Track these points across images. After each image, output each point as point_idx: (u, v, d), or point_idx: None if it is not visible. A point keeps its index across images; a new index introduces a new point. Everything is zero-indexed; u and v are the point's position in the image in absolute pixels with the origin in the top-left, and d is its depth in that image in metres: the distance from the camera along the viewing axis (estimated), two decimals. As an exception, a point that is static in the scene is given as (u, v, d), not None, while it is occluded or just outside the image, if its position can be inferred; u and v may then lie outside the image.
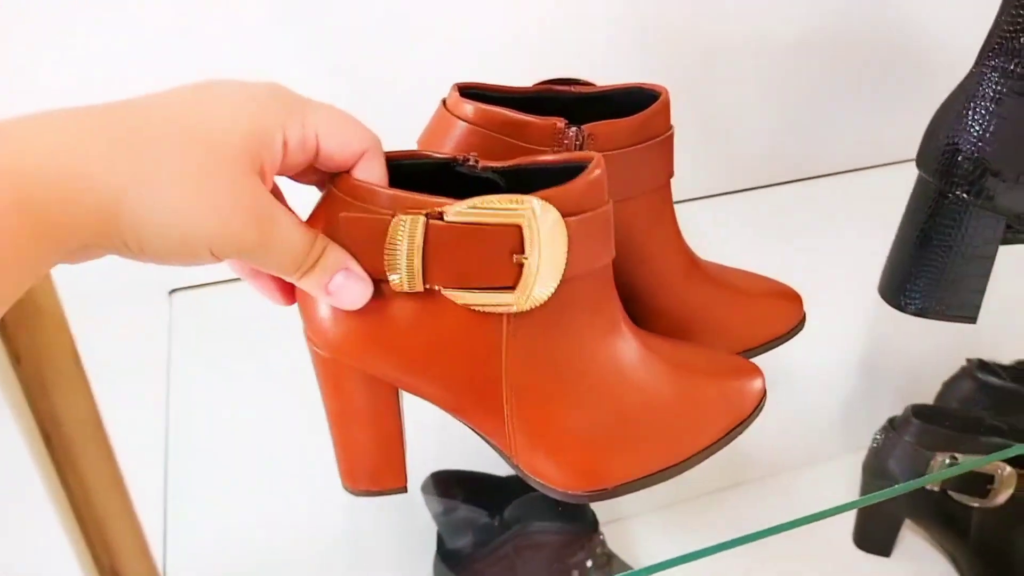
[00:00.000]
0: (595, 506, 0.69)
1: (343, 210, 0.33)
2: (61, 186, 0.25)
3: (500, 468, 0.71)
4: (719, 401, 0.39)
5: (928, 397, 0.80)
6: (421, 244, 0.32)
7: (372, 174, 0.34)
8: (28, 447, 0.54)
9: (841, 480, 0.73)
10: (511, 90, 0.45)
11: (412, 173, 0.35)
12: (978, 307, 0.51)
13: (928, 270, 0.51)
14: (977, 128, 0.47)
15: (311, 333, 0.37)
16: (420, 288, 0.33)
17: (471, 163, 0.35)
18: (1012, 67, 0.45)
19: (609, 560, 0.67)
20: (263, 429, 0.59)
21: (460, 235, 0.32)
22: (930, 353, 0.80)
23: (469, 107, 0.41)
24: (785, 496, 0.47)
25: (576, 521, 0.66)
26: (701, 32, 0.63)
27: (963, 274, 0.50)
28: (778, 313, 0.48)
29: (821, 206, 0.68)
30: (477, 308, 0.34)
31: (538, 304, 0.34)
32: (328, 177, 0.35)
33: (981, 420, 0.72)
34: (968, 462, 0.69)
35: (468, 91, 0.43)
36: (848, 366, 0.82)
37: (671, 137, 0.44)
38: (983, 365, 0.78)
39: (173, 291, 0.62)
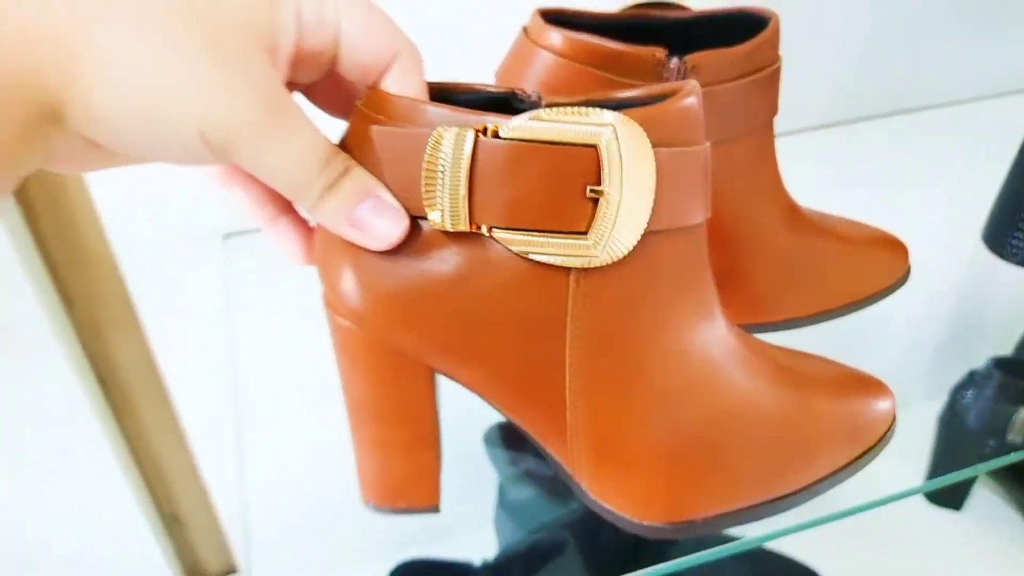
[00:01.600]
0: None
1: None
2: None
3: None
4: (841, 422, 0.32)
5: (1010, 350, 0.76)
6: (468, 168, 0.25)
7: (408, 89, 0.27)
8: (84, 391, 0.53)
9: (920, 430, 0.70)
10: (599, 16, 0.40)
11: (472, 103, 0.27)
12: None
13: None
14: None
15: (330, 295, 0.29)
16: (465, 227, 0.26)
17: (534, 99, 0.28)
18: None
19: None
20: (322, 374, 0.57)
21: (518, 157, 0.25)
22: (1019, 306, 0.75)
23: (556, 35, 0.37)
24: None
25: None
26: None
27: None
28: (883, 264, 0.44)
29: (922, 143, 0.62)
30: (536, 257, 0.26)
31: (617, 257, 0.26)
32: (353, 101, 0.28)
33: (1069, 374, 0.68)
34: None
35: (552, 17, 0.39)
36: (939, 317, 0.78)
37: (778, 70, 0.40)
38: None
39: (228, 236, 0.60)
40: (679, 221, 0.28)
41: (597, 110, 0.25)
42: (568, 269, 0.27)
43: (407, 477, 0.32)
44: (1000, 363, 0.70)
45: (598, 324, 0.28)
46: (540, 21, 0.38)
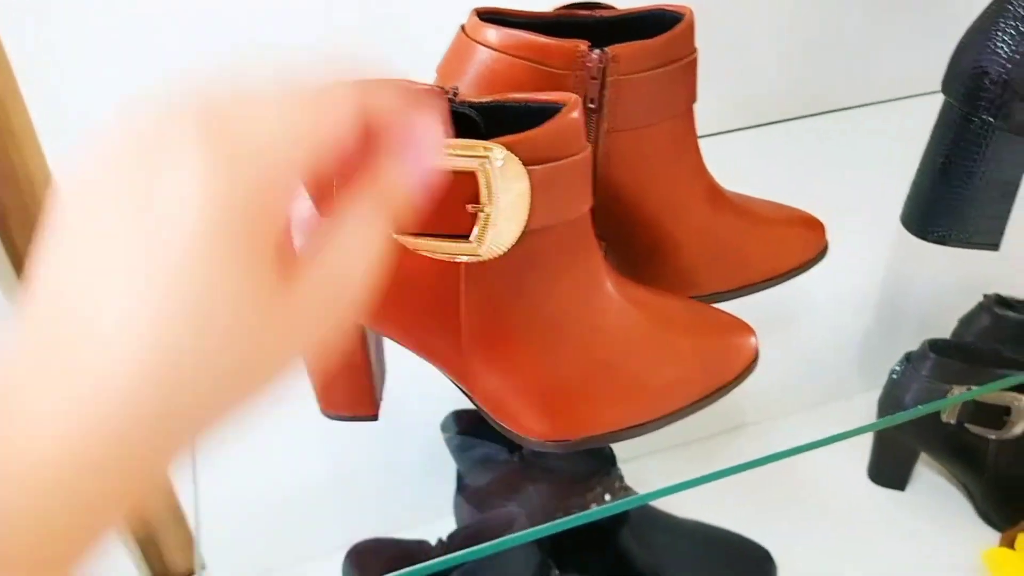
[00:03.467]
0: (616, 444, 0.70)
1: None
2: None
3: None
4: (702, 360, 0.38)
5: (946, 332, 0.80)
6: None
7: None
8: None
9: (856, 416, 0.74)
10: (532, 15, 0.44)
11: None
12: (1000, 234, 0.51)
13: (950, 197, 0.50)
14: (1005, 50, 0.46)
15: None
16: None
17: (450, 96, 0.33)
18: (1043, -15, 0.44)
19: (627, 495, 0.68)
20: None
21: None
22: (948, 289, 0.80)
23: (490, 32, 0.41)
24: (800, 431, 0.47)
25: (594, 457, 0.67)
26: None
27: (986, 200, 0.49)
28: (801, 241, 0.48)
29: (845, 140, 0.67)
30: (430, 255, 0.33)
31: (497, 254, 0.33)
32: None
33: (998, 353, 0.72)
34: (980, 392, 0.69)
35: (487, 16, 0.42)
36: (868, 300, 0.82)
37: (695, 61, 0.43)
38: (1000, 300, 0.78)
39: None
40: (557, 219, 0.34)
41: (480, 143, 0.31)
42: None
43: (349, 395, 0.42)
44: (934, 345, 0.74)
45: (484, 296, 0.35)
46: (476, 19, 0.42)
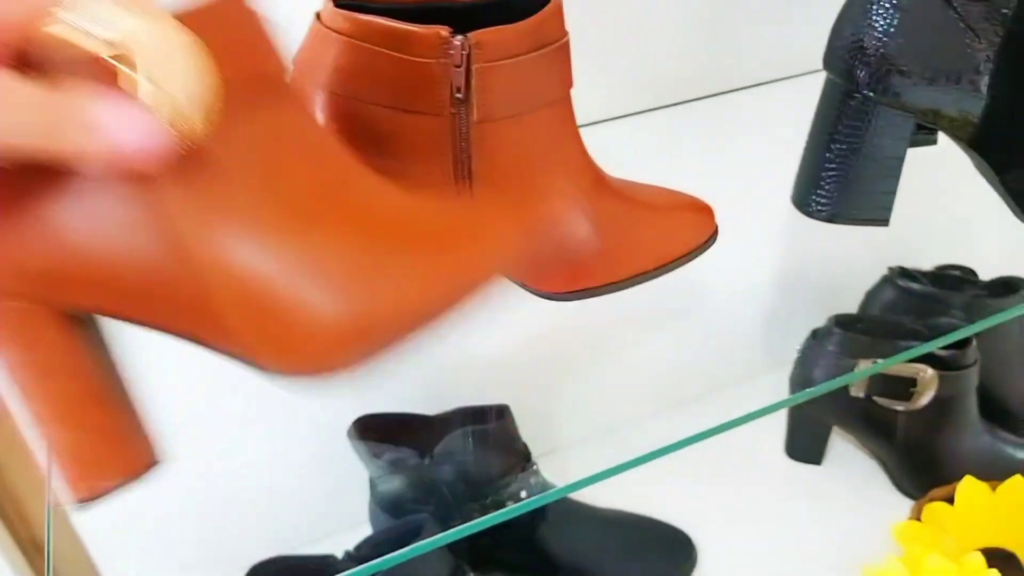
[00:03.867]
0: (530, 438, 0.69)
1: None
2: None
3: (425, 407, 0.69)
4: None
5: (852, 308, 0.81)
6: None
7: None
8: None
9: (767, 396, 0.74)
10: (394, 1, 0.41)
11: None
12: (889, 209, 0.51)
13: (836, 174, 0.50)
14: (881, 23, 0.46)
15: None
16: None
17: None
18: (912, -43, 0.44)
19: (544, 490, 0.67)
20: (189, 379, 0.56)
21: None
22: (853, 264, 0.81)
23: (344, 20, 0.38)
24: (712, 414, 0.46)
25: (508, 454, 0.65)
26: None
27: (872, 176, 0.49)
28: (690, 226, 0.47)
29: (733, 122, 0.67)
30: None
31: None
32: None
33: (902, 325, 0.73)
34: (885, 366, 0.70)
35: (345, 3, 0.40)
36: (770, 281, 0.82)
37: (567, 44, 0.42)
38: (904, 272, 0.79)
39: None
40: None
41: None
42: None
43: (104, 447, 0.28)
44: (839, 320, 0.74)
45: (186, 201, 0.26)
46: (331, 6, 0.39)
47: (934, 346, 0.58)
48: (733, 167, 0.65)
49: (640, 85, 0.63)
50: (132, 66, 0.23)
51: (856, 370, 0.71)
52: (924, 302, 0.77)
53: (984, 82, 0.47)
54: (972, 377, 0.72)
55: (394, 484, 0.64)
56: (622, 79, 0.62)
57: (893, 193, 0.50)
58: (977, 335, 0.72)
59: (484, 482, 0.64)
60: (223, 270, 0.26)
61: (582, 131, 0.46)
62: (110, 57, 0.23)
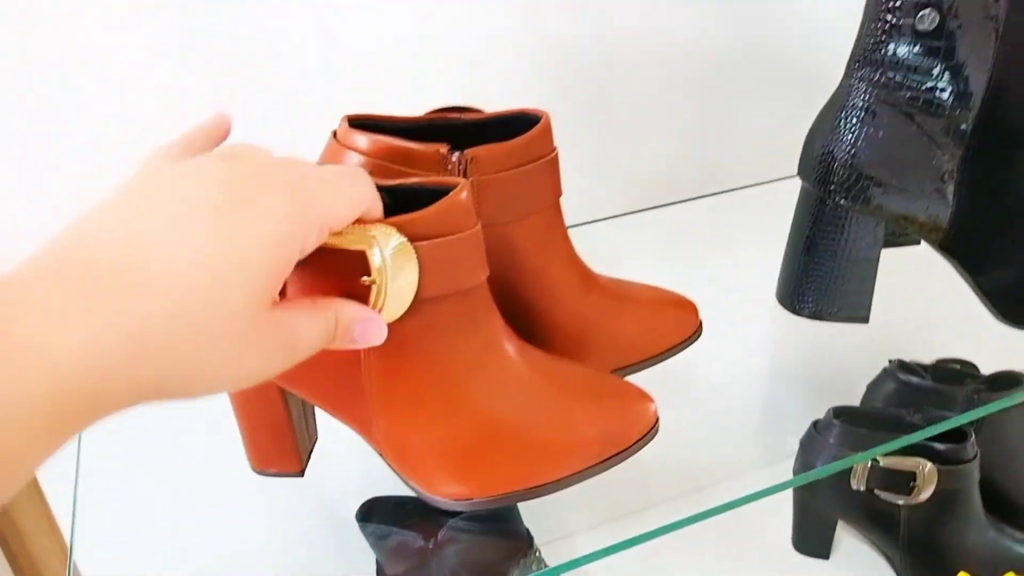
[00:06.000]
0: (534, 524, 0.70)
1: None
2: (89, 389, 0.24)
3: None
4: (598, 425, 0.40)
5: (855, 400, 0.83)
6: None
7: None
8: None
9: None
10: (402, 119, 0.47)
11: None
12: (867, 307, 0.53)
13: (817, 275, 0.53)
14: (850, 136, 0.50)
15: None
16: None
17: None
18: (877, 77, 0.49)
19: (546, 577, 0.68)
20: (184, 435, 0.59)
21: (315, 257, 0.34)
22: (856, 356, 0.82)
23: (358, 137, 0.43)
24: (719, 499, 0.48)
25: (511, 539, 0.67)
26: (594, 55, 0.66)
27: (848, 277, 0.52)
28: (673, 322, 0.50)
29: (719, 223, 0.71)
30: None
31: (392, 319, 0.36)
32: None
33: (900, 418, 0.74)
34: (863, 458, 0.71)
35: (360, 122, 0.45)
36: (774, 373, 0.84)
37: (555, 159, 0.46)
38: (904, 365, 0.81)
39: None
40: (450, 288, 0.37)
41: (367, 224, 0.35)
42: None
43: (273, 450, 0.46)
44: (839, 413, 0.76)
45: (385, 361, 0.38)
46: (346, 126, 0.44)
47: (920, 436, 0.60)
48: (728, 265, 0.68)
49: (627, 188, 0.67)
50: (381, 288, 0.35)
51: (856, 466, 0.72)
52: (924, 395, 0.78)
53: (950, 190, 0.51)
54: (973, 471, 0.72)
55: (399, 568, 0.65)
56: (608, 182, 0.67)
57: (870, 293, 0.53)
58: (978, 428, 0.73)
59: (486, 567, 0.66)
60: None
61: (575, 231, 0.50)
62: (373, 277, 0.35)
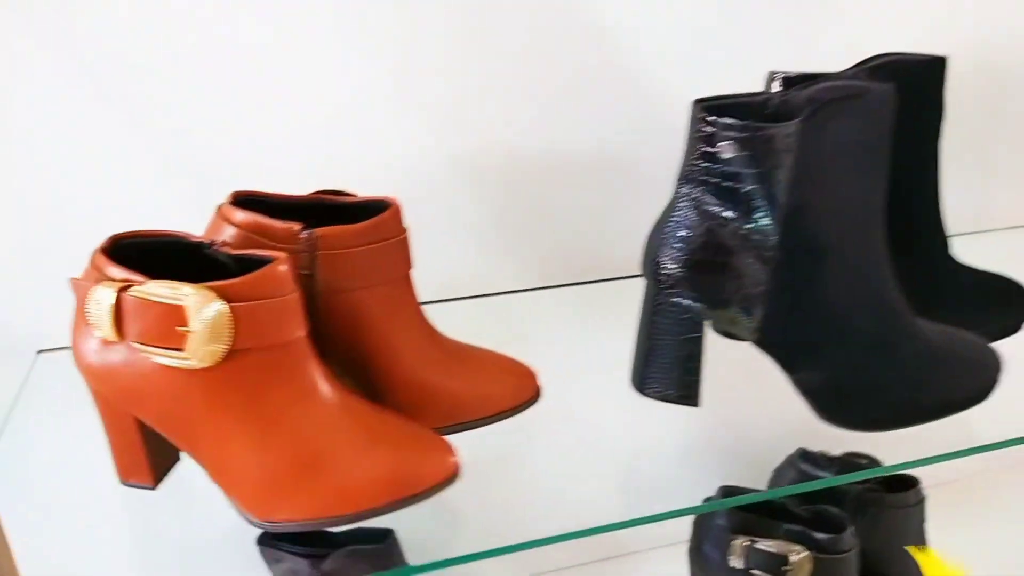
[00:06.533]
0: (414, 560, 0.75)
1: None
2: None
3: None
4: (393, 469, 0.46)
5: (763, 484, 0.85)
6: (111, 307, 0.45)
7: None
8: None
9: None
10: (288, 197, 0.56)
11: (178, 249, 0.49)
12: (697, 393, 0.59)
13: (656, 361, 0.59)
14: (674, 243, 0.56)
15: (77, 362, 0.49)
16: (115, 339, 0.46)
17: (215, 247, 0.49)
18: (696, 194, 0.55)
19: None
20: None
21: (139, 305, 0.44)
22: (779, 439, 0.85)
23: (234, 212, 0.52)
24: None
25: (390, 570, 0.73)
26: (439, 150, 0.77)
27: (680, 363, 0.58)
28: (511, 386, 0.57)
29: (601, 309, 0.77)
30: (158, 360, 0.45)
31: (208, 365, 0.44)
32: None
33: (785, 508, 0.78)
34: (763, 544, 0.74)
35: (247, 199, 0.54)
36: (691, 445, 0.88)
37: (404, 240, 0.54)
38: (806, 455, 0.84)
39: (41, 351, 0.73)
40: (264, 342, 0.45)
41: (181, 285, 0.44)
42: None
43: (131, 465, 0.52)
44: (727, 492, 0.80)
45: (207, 400, 0.46)
46: (228, 202, 0.54)
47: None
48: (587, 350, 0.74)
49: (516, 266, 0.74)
50: (195, 337, 0.44)
51: (734, 543, 0.76)
52: (822, 489, 0.81)
53: (760, 296, 0.56)
54: (850, 563, 0.75)
55: (294, 591, 0.72)
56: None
57: (698, 380, 0.58)
58: (858, 523, 0.76)
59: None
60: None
61: (449, 305, 0.58)
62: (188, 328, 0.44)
